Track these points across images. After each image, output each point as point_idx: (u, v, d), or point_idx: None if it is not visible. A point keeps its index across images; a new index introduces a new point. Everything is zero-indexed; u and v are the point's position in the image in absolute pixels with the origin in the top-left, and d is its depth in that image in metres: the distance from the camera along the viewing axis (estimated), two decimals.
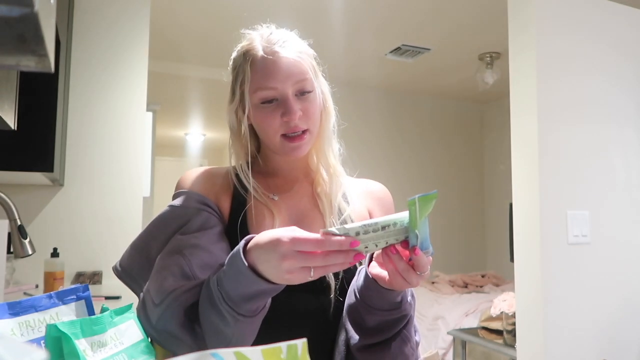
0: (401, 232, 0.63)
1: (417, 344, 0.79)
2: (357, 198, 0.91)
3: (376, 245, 0.63)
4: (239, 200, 0.84)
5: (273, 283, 0.63)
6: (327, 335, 0.80)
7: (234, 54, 0.86)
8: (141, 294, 0.76)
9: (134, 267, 0.80)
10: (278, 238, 0.60)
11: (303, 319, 0.78)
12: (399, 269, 0.64)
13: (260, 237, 0.63)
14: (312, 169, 0.91)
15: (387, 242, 0.63)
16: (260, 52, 0.81)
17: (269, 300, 0.69)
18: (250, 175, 0.84)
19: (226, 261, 0.67)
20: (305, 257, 0.59)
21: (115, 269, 0.82)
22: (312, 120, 0.83)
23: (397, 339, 0.74)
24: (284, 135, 0.82)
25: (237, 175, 0.87)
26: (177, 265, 0.73)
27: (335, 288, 0.79)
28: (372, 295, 0.72)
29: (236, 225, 0.81)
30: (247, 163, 0.85)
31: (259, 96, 0.81)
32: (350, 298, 0.77)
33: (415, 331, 0.79)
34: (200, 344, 0.69)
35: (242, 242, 0.65)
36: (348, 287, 0.79)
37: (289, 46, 0.82)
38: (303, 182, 0.90)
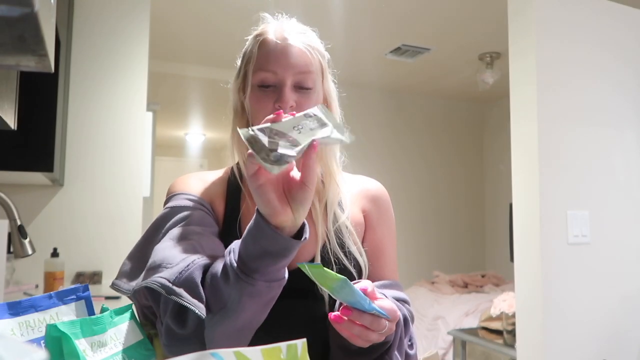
0: (320, 128, 0.61)
1: (414, 358, 0.78)
2: (353, 199, 0.89)
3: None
4: (233, 206, 0.83)
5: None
6: (322, 342, 0.79)
7: (249, 37, 0.86)
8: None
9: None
10: None
11: (298, 326, 0.77)
12: (355, 333, 0.63)
13: None
14: None
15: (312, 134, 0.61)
16: (272, 36, 0.81)
17: (274, 293, 0.65)
18: None
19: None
20: None
21: (113, 285, 0.77)
22: None
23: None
24: None
25: (239, 170, 0.85)
26: (189, 244, 0.69)
27: (329, 299, 0.78)
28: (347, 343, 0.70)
29: (229, 232, 0.80)
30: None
31: (258, 77, 0.80)
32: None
33: (412, 343, 0.78)
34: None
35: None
36: None
37: (301, 38, 0.82)
38: None
